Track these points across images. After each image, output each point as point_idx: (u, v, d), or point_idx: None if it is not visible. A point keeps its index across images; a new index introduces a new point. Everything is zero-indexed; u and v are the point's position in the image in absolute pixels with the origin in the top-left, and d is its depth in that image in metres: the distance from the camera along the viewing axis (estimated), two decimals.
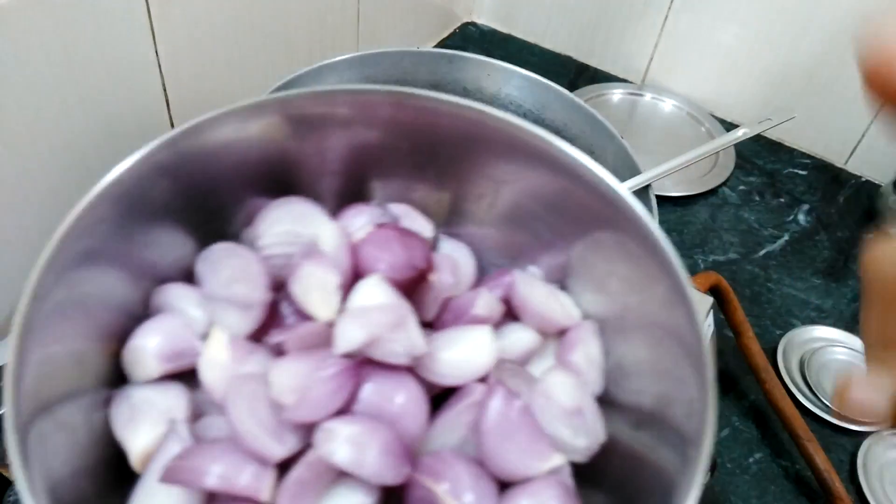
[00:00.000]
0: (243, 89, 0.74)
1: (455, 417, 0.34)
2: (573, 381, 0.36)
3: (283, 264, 0.35)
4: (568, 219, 0.37)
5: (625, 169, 0.54)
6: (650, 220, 0.33)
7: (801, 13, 0.91)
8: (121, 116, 0.62)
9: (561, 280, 0.40)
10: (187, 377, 0.33)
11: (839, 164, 0.99)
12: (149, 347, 0.32)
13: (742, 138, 0.52)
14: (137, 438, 0.30)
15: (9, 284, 0.60)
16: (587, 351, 0.38)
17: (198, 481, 0.28)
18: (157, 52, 0.62)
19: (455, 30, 1.16)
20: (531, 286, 0.38)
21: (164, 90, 0.65)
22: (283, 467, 0.30)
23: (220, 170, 0.34)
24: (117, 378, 0.32)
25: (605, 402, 0.37)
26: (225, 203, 0.36)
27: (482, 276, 0.42)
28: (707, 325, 0.63)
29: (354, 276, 0.35)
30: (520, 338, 0.38)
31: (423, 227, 0.39)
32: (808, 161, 0.99)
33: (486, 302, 0.37)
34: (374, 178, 0.38)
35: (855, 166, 0.98)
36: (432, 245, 0.40)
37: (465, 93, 0.60)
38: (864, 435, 0.69)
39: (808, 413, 0.71)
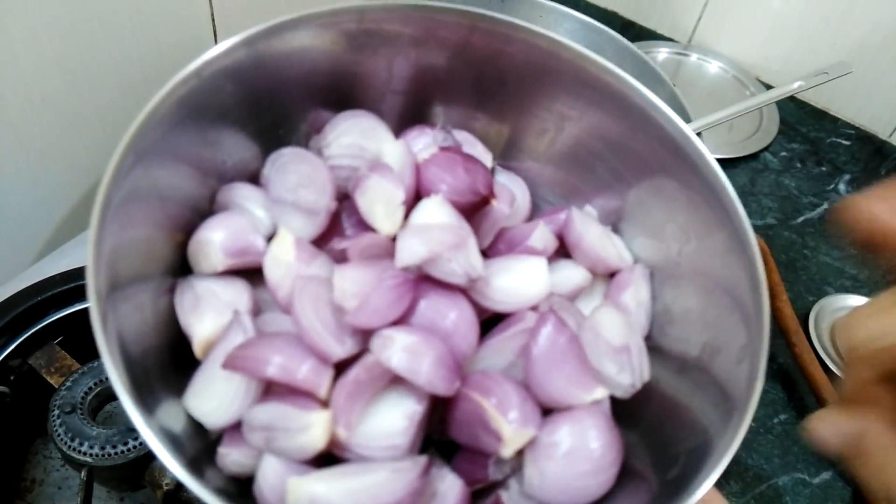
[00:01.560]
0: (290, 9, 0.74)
1: (504, 342, 0.34)
2: (621, 319, 0.36)
3: (348, 175, 0.35)
4: (631, 161, 0.37)
5: None
6: (717, 167, 0.33)
7: None
8: (169, 43, 0.63)
9: (615, 222, 0.40)
10: (248, 275, 0.34)
11: (884, 136, 0.97)
12: (215, 241, 0.33)
13: (797, 91, 0.51)
14: (201, 325, 0.30)
15: (57, 196, 0.61)
16: (637, 293, 0.38)
17: (259, 370, 0.29)
18: None
19: None
20: (586, 225, 0.38)
21: (213, 18, 0.65)
22: (339, 370, 0.30)
23: (291, 76, 0.34)
24: (182, 268, 0.33)
25: (650, 346, 0.37)
26: (291, 110, 0.36)
27: (535, 211, 0.42)
28: None
29: (417, 194, 0.35)
30: (571, 274, 0.39)
31: (483, 155, 0.39)
32: (852, 131, 0.97)
33: (542, 234, 0.38)
34: (438, 101, 0.38)
35: None
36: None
37: None
38: None
39: (836, 378, 0.71)
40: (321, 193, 0.35)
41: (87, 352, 0.49)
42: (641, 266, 0.39)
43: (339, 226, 0.35)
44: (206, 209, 0.34)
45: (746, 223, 0.32)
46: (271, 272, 0.32)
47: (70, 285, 0.51)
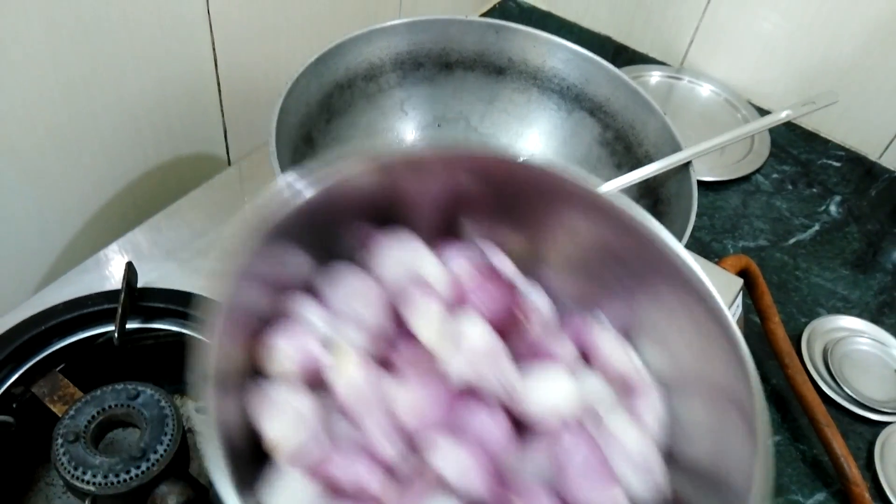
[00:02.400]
0: (290, 53, 0.75)
1: (537, 449, 0.38)
2: (640, 430, 0.38)
3: (395, 290, 0.39)
4: (635, 274, 0.39)
5: (666, 145, 0.54)
6: (708, 283, 0.35)
7: (843, 5, 0.91)
8: (170, 75, 0.64)
9: (627, 332, 0.42)
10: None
11: (873, 157, 0.99)
12: (282, 347, 0.36)
13: (785, 120, 0.52)
14: (272, 428, 0.34)
15: (60, 225, 0.62)
16: (653, 404, 0.40)
17: (332, 479, 0.33)
18: (208, 11, 0.64)
19: (495, 5, 1.16)
20: (603, 334, 0.40)
21: (214, 50, 0.67)
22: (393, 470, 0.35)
23: (340, 206, 0.38)
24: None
25: (664, 456, 0.39)
26: (340, 231, 0.39)
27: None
28: (736, 307, 0.64)
29: (457, 309, 0.39)
30: (590, 383, 0.40)
31: (507, 266, 0.41)
32: (842, 153, 0.99)
33: (564, 344, 0.40)
34: (464, 216, 0.42)
35: (889, 160, 0.98)
36: None
37: (510, 63, 0.61)
38: (882, 424, 0.70)
39: (829, 400, 0.71)
40: (372, 308, 0.38)
41: (89, 380, 0.50)
42: (653, 376, 0.41)
43: (391, 336, 0.39)
44: (268, 317, 0.37)
45: (743, 346, 0.34)
46: (337, 384, 0.36)
47: (73, 314, 0.52)
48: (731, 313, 0.62)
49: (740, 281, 0.65)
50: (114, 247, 0.58)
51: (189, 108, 0.68)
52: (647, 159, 0.56)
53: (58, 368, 0.52)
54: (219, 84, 0.70)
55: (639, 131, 0.57)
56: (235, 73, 0.71)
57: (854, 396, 0.71)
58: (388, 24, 0.57)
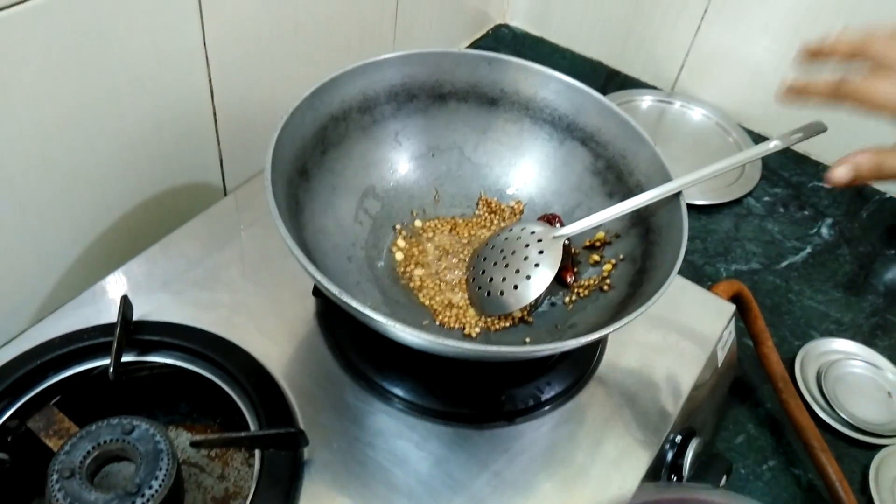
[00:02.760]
0: (285, 83, 0.76)
1: None
2: None
3: None
4: None
5: (656, 175, 0.55)
6: None
7: (833, 27, 0.92)
8: (167, 105, 0.65)
9: None
10: None
11: None
12: None
13: (773, 150, 0.53)
14: None
15: (56, 257, 0.62)
16: None
17: None
18: (205, 43, 0.64)
19: (488, 31, 1.17)
20: None
21: (210, 82, 0.67)
22: None
23: None
24: None
25: None
26: None
27: None
28: (728, 333, 0.64)
29: None
30: None
31: None
32: None
33: None
34: None
35: (880, 182, 0.99)
36: None
37: (503, 94, 0.62)
38: (877, 447, 0.70)
39: (823, 424, 0.72)
40: None
41: (85, 413, 0.50)
42: None
43: None
44: None
45: None
46: None
47: (69, 348, 0.52)
48: (724, 340, 0.63)
49: (732, 307, 0.66)
50: (110, 279, 0.58)
51: (185, 137, 0.69)
52: (639, 188, 0.57)
53: (53, 402, 0.52)
54: (215, 114, 0.70)
55: (630, 161, 0.58)
56: (232, 102, 0.71)
57: (848, 420, 0.72)
58: (383, 57, 0.58)
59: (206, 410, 0.60)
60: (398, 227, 0.62)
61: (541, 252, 0.54)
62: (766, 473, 0.68)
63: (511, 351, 0.45)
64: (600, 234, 0.60)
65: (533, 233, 0.55)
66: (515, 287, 0.54)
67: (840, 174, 0.44)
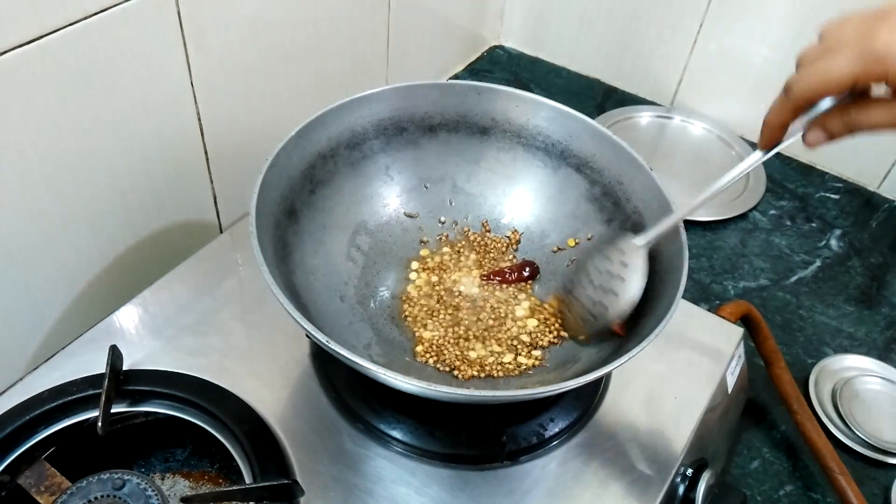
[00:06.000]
0: (276, 119, 0.75)
1: None
2: None
3: None
4: None
5: (653, 200, 0.54)
6: None
7: None
8: (157, 146, 0.64)
9: None
10: None
11: (872, 187, 0.98)
12: None
13: (762, 159, 0.52)
14: None
15: (45, 305, 0.62)
16: None
17: None
18: (191, 80, 0.64)
19: (483, 53, 1.17)
20: None
21: (199, 119, 0.67)
22: None
23: None
24: None
25: None
26: None
27: None
28: (738, 358, 0.62)
29: None
30: None
31: None
32: (840, 185, 0.98)
33: None
34: None
35: (889, 190, 0.97)
36: None
37: (494, 123, 0.60)
38: None
39: (841, 445, 0.69)
40: None
41: (77, 466, 0.49)
42: None
43: None
44: None
45: None
46: None
47: (58, 402, 0.51)
48: (733, 365, 0.61)
49: (741, 331, 0.64)
50: (100, 327, 0.57)
51: (177, 177, 0.68)
52: (637, 214, 0.56)
53: (46, 455, 0.51)
54: (206, 152, 0.70)
55: (626, 186, 0.56)
56: (223, 138, 0.71)
57: (866, 439, 0.69)
58: (369, 92, 0.57)
59: (202, 456, 0.59)
60: (406, 260, 0.61)
61: (624, 265, 0.52)
62: (783, 500, 0.66)
63: (505, 395, 0.44)
64: None
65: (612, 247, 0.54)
66: (605, 307, 0.53)
67: (814, 138, 0.46)
